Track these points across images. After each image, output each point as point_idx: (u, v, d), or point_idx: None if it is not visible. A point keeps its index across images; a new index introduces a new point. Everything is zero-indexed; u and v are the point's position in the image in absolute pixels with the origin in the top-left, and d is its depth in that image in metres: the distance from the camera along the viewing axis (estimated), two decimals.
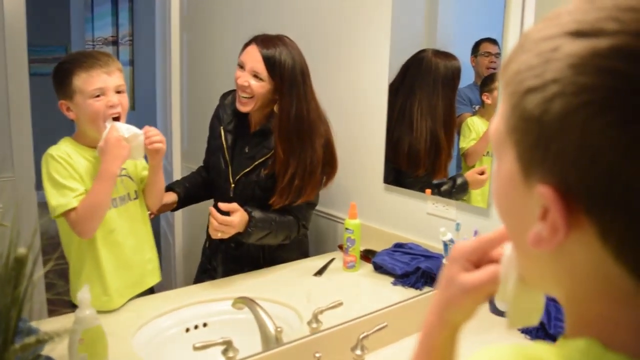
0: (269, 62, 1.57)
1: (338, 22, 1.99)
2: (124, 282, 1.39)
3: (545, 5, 1.43)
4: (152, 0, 2.70)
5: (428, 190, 1.78)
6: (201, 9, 2.71)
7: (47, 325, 1.07)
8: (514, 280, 0.52)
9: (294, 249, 1.77)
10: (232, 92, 1.75)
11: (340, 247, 1.77)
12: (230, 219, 1.50)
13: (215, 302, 1.43)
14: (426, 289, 1.52)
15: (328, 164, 1.67)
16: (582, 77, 0.36)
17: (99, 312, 1.27)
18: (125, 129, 1.35)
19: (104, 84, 1.33)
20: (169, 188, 1.75)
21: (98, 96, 1.32)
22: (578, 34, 0.37)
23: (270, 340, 1.12)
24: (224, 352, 1.06)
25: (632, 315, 0.40)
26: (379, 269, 1.64)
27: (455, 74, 1.72)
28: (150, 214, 1.55)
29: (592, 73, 0.36)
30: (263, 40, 1.60)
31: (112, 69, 1.35)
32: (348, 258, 1.67)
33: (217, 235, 1.50)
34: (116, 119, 1.36)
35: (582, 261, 0.40)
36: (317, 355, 1.05)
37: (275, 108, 1.62)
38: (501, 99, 0.44)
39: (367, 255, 1.73)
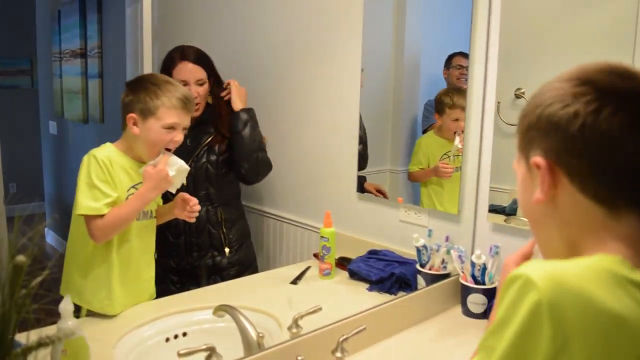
0: (204, 66, 1.86)
1: (310, 35, 2.03)
2: (129, 292, 1.42)
3: (509, 20, 1.51)
4: (121, 12, 2.69)
5: (400, 199, 1.83)
6: (171, 18, 2.73)
7: (31, 336, 1.07)
8: None
9: (246, 232, 2.01)
10: None
11: (316, 256, 1.80)
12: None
13: (194, 311, 1.44)
14: (401, 293, 1.56)
15: None
16: (547, 95, 0.66)
17: (99, 314, 1.37)
18: (174, 163, 1.43)
19: (180, 121, 1.42)
20: None
21: (169, 129, 1.40)
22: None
23: (252, 346, 1.14)
24: (208, 358, 1.07)
25: (611, 237, 0.62)
26: (355, 275, 1.68)
27: None
28: None
29: (551, 91, 0.65)
30: (188, 52, 1.85)
31: (191, 112, 1.46)
32: (324, 266, 1.71)
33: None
34: (168, 149, 1.43)
35: (568, 205, 0.63)
36: (300, 358, 1.07)
37: (209, 99, 1.91)
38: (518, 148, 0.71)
39: (343, 263, 1.77)
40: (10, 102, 4.89)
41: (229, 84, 1.90)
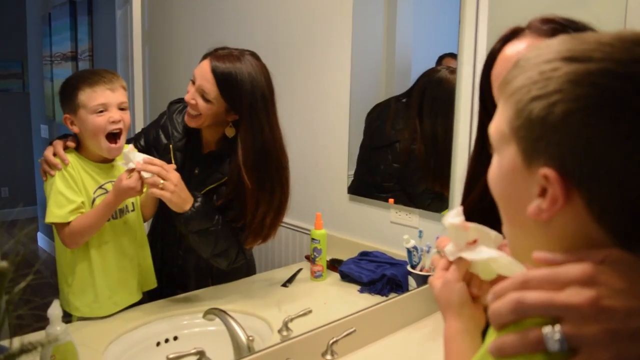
0: (220, 83, 1.41)
1: (299, 36, 2.03)
2: (116, 292, 1.41)
3: (496, 24, 1.51)
4: (111, 15, 2.69)
5: (391, 200, 1.84)
6: (162, 22, 2.72)
7: (17, 342, 1.07)
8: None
9: (243, 268, 1.66)
10: (182, 101, 1.57)
11: (307, 258, 1.80)
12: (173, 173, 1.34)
13: (185, 315, 1.43)
14: (392, 295, 1.56)
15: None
16: (579, 89, 0.49)
17: (90, 317, 1.36)
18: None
19: (107, 100, 1.36)
20: None
21: (101, 112, 1.36)
22: (571, 59, 0.51)
23: (242, 350, 1.14)
24: None
25: None
26: (346, 277, 1.68)
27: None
28: None
29: (587, 86, 0.49)
30: (220, 57, 1.44)
31: (116, 86, 1.39)
32: (315, 268, 1.71)
33: (158, 182, 1.32)
34: (117, 134, 1.38)
35: (571, 227, 0.52)
36: None
37: (229, 132, 1.48)
38: (501, 107, 0.57)
39: (334, 265, 1.77)
40: (2, 105, 4.86)
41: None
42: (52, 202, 1.34)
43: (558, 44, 0.53)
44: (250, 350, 1.14)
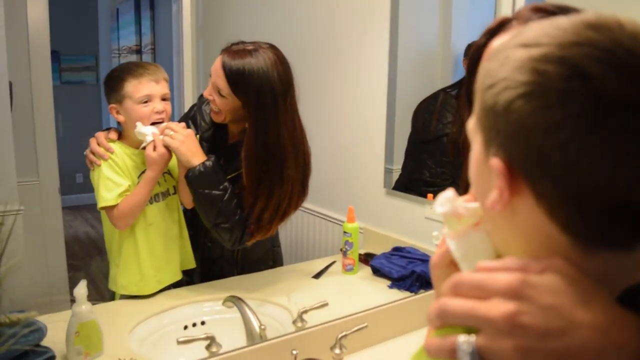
0: (231, 79, 1.39)
1: (339, 29, 2.03)
2: (160, 271, 1.50)
3: None
4: (170, 9, 2.79)
5: (430, 195, 1.80)
6: (216, 17, 2.79)
7: (54, 317, 1.15)
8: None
9: (268, 259, 1.72)
10: None
11: (342, 250, 1.80)
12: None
13: (213, 301, 1.47)
14: (421, 292, 1.53)
15: (298, 196, 1.49)
16: (521, 75, 0.46)
17: (135, 296, 1.45)
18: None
19: (151, 91, 1.44)
20: None
21: (146, 102, 1.44)
22: (523, 45, 0.48)
23: (254, 338, 1.16)
24: (208, 347, 1.10)
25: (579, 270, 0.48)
26: (377, 272, 1.67)
27: None
28: None
29: (527, 72, 0.46)
30: (232, 52, 1.42)
31: (159, 77, 1.47)
32: (347, 261, 1.70)
33: (169, 132, 1.42)
34: (160, 123, 1.46)
35: (528, 221, 0.49)
36: (294, 352, 1.08)
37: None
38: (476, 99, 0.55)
39: (367, 259, 1.76)
40: (77, 97, 5.19)
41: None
42: (102, 188, 1.43)
43: (521, 31, 0.50)
44: (262, 338, 1.16)
